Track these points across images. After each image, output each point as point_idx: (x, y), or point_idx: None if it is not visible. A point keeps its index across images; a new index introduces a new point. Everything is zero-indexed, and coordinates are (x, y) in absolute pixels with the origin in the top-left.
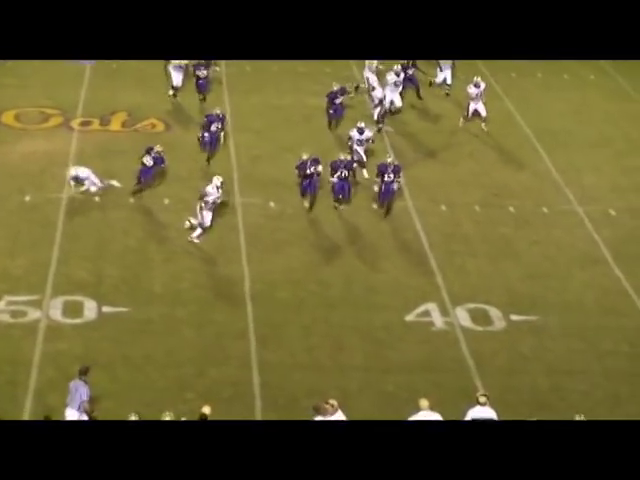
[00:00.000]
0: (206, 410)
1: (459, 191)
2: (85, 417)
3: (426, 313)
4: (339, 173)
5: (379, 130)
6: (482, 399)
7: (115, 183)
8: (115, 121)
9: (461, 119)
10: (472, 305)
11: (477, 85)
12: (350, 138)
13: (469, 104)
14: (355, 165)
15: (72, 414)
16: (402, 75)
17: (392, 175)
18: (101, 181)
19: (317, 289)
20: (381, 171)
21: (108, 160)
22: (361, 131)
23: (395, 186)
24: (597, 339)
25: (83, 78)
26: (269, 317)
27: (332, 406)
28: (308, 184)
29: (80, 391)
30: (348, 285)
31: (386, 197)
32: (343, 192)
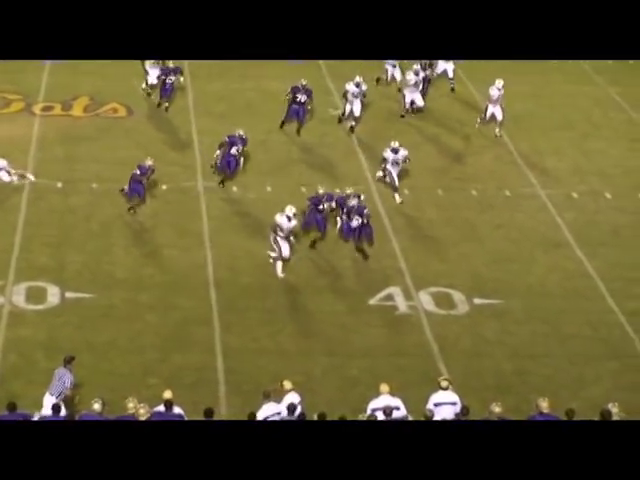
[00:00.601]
0: (167, 395)
1: (422, 175)
2: (62, 405)
3: (389, 297)
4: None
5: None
6: (444, 383)
7: (30, 176)
8: (77, 106)
9: (478, 120)
10: (435, 289)
11: (499, 88)
12: (384, 160)
13: (487, 106)
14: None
15: (49, 400)
16: (421, 74)
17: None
18: (16, 173)
19: (281, 274)
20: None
21: (70, 145)
22: (395, 151)
23: (355, 224)
24: (560, 322)
25: (44, 63)
26: (233, 303)
27: (283, 387)
28: (317, 219)
29: (63, 379)
30: (311, 270)
31: (348, 235)
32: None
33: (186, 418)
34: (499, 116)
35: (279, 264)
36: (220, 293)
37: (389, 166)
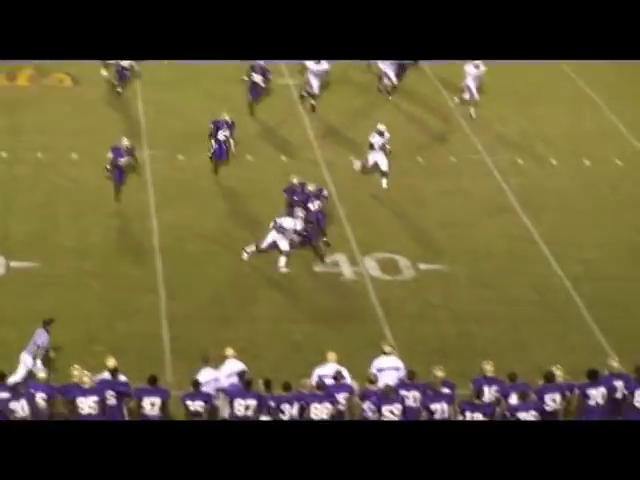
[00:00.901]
0: (111, 363)
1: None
2: (38, 362)
3: (335, 263)
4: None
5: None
6: (387, 349)
7: None
8: (22, 76)
9: (456, 99)
10: (381, 255)
11: (477, 66)
12: (371, 145)
13: (467, 85)
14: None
15: (26, 357)
16: None
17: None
18: None
19: (226, 241)
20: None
21: (15, 115)
22: (381, 133)
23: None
24: (505, 287)
25: None
26: (178, 270)
27: (226, 355)
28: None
29: (35, 338)
30: (256, 237)
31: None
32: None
33: (131, 386)
34: (475, 95)
35: (282, 259)
36: (165, 261)
37: (375, 152)
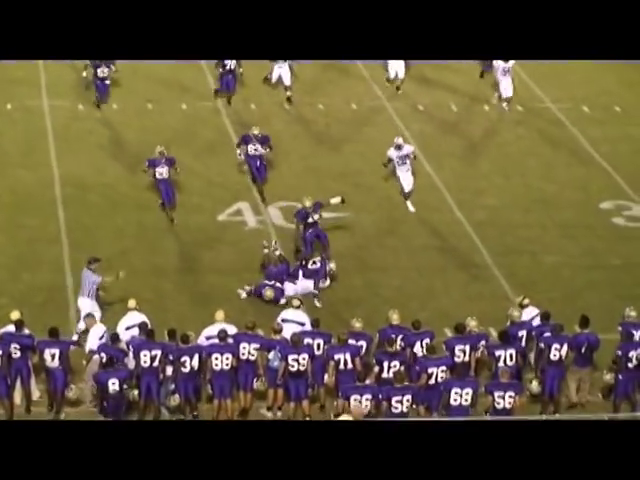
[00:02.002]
0: (15, 315)
1: (267, 90)
2: (96, 303)
3: (238, 212)
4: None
5: None
6: (295, 302)
7: None
8: None
9: (495, 98)
10: (284, 203)
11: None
12: (389, 160)
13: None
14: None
15: (84, 301)
16: None
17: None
18: None
19: (129, 191)
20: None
21: None
22: (399, 147)
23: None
24: (409, 235)
25: None
26: (81, 221)
27: (129, 307)
28: (314, 235)
29: (89, 279)
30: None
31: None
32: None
33: (35, 338)
34: (509, 91)
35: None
36: (68, 211)
37: (397, 169)
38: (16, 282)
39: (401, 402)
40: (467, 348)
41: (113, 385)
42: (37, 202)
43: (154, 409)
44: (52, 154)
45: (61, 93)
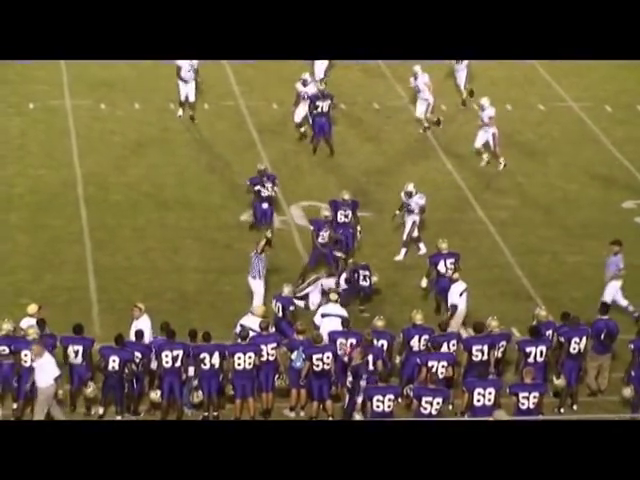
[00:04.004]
0: (30, 310)
1: (288, 89)
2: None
3: None
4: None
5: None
6: (333, 296)
7: None
8: None
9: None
10: (307, 203)
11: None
12: (402, 205)
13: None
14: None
15: (256, 283)
16: None
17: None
18: None
19: (151, 191)
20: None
21: None
22: (409, 195)
23: None
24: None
25: None
26: (103, 220)
27: (140, 309)
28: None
29: (256, 264)
30: (182, 186)
31: None
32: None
33: (58, 336)
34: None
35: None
36: (90, 211)
37: (405, 215)
38: (39, 282)
39: (431, 403)
40: (485, 348)
41: (113, 362)
42: (59, 202)
43: (177, 409)
44: (74, 154)
45: (83, 93)
